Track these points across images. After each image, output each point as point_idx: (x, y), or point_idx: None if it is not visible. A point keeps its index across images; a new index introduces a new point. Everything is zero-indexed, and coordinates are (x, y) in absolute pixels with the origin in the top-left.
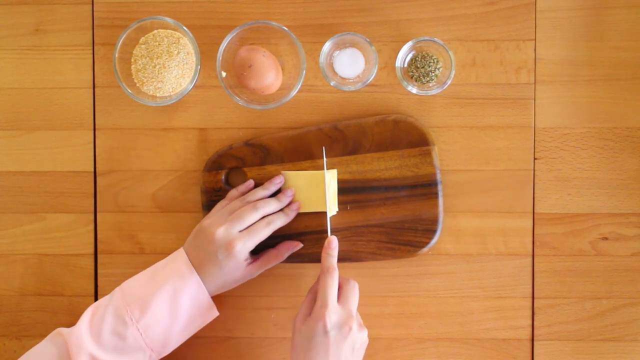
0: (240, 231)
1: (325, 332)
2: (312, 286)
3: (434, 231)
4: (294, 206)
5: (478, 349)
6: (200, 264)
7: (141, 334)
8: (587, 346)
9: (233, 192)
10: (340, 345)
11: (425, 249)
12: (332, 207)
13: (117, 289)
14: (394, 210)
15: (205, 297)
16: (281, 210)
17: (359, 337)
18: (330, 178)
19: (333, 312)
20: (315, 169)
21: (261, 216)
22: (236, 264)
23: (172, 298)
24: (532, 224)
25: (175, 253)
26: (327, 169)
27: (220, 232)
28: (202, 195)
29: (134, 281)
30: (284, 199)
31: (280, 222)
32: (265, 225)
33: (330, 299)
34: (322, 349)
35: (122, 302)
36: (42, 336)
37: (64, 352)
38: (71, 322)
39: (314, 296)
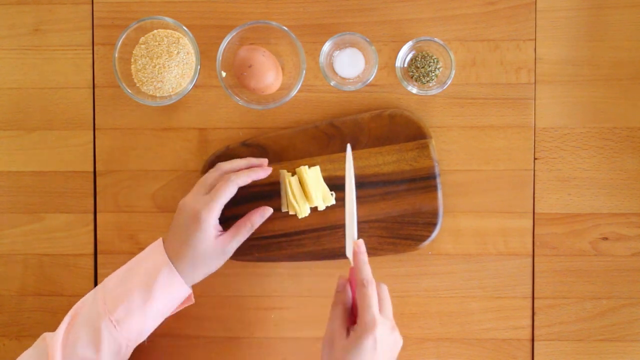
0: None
1: (375, 347)
2: (337, 297)
3: (434, 224)
4: (264, 165)
5: (478, 349)
6: (174, 244)
7: (115, 326)
8: (587, 346)
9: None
10: (387, 355)
11: (426, 242)
12: (294, 205)
13: (99, 285)
14: (394, 205)
15: (176, 279)
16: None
17: (399, 341)
18: (296, 177)
19: (380, 326)
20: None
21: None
22: (204, 233)
23: (145, 285)
24: (532, 224)
25: (154, 242)
26: (312, 165)
27: (186, 200)
28: None
29: (115, 274)
30: (254, 161)
31: (243, 178)
32: (226, 182)
33: (376, 313)
34: None
35: (101, 296)
36: None
37: (45, 358)
38: None
39: (345, 308)
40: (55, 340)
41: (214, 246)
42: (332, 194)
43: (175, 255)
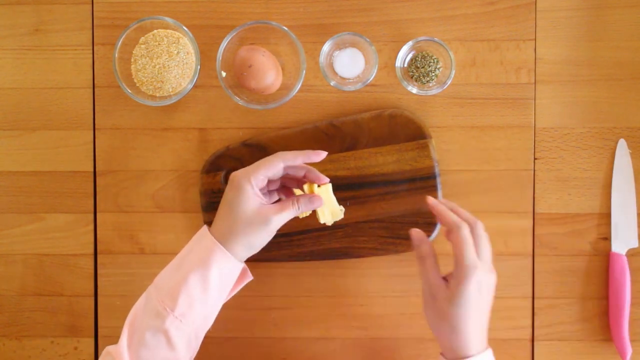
0: None
1: (479, 290)
2: (421, 249)
3: (434, 224)
4: (318, 152)
5: None
6: (217, 221)
7: (181, 321)
8: (587, 346)
9: None
10: (489, 298)
11: None
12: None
13: (150, 287)
14: (394, 205)
15: (232, 262)
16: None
17: (494, 282)
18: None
19: (481, 270)
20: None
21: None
22: (242, 197)
23: (200, 271)
24: (532, 224)
25: (199, 232)
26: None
27: (231, 175)
28: (201, 197)
29: (163, 273)
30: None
31: (290, 156)
32: (273, 155)
33: (474, 256)
34: (475, 305)
35: (155, 297)
36: (42, 336)
37: None
38: (71, 322)
39: (434, 258)
40: (120, 351)
41: (255, 213)
42: (341, 209)
43: (219, 230)
